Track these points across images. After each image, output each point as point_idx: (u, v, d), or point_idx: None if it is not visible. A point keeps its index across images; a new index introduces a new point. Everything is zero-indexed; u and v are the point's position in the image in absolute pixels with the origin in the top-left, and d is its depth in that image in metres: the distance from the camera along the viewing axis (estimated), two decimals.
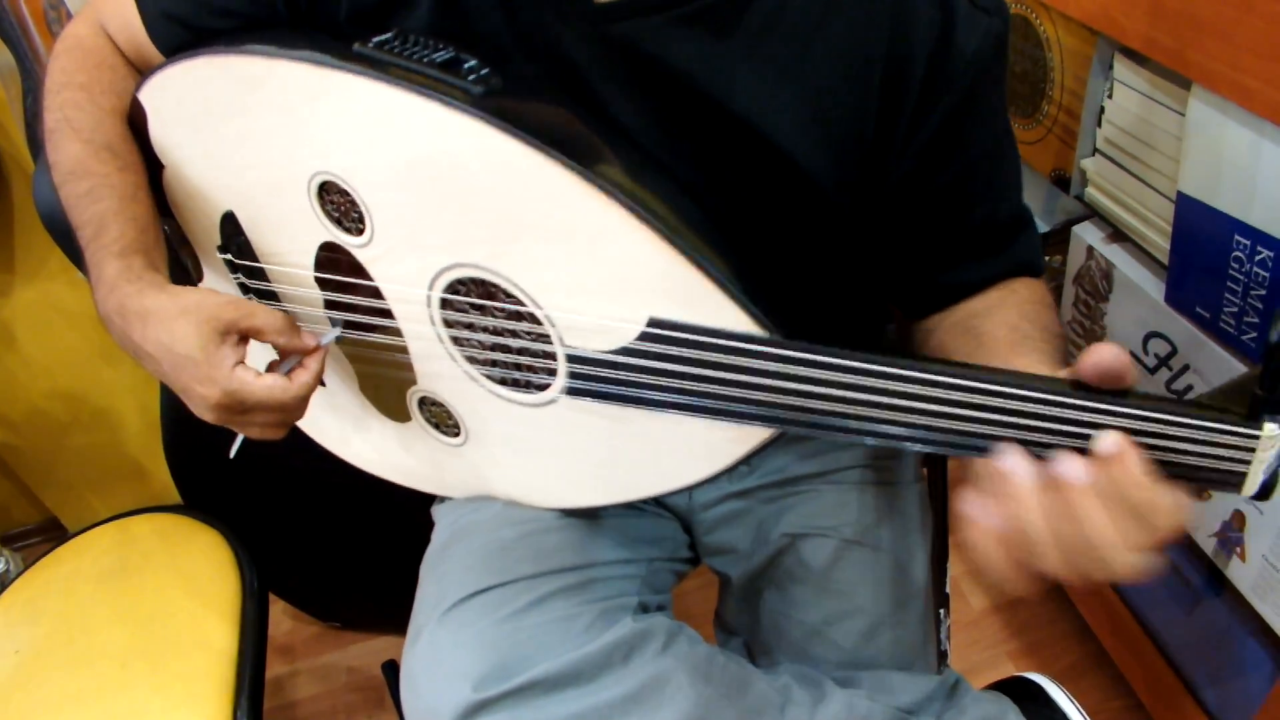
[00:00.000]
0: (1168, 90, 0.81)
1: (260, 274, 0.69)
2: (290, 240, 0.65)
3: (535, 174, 0.50)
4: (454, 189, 0.54)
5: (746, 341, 0.49)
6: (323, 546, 1.23)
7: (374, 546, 1.21)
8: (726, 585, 0.81)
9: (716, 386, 0.52)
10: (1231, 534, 0.87)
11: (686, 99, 0.57)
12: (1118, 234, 0.94)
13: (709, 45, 0.56)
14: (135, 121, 0.65)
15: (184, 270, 0.74)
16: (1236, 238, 0.76)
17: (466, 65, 0.52)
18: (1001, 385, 0.44)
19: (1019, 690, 0.74)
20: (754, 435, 0.56)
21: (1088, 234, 0.96)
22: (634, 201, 0.48)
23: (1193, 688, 1.00)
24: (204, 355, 0.57)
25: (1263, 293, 0.76)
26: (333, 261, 0.64)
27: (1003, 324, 0.62)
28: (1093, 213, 0.97)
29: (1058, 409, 0.43)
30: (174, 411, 1.09)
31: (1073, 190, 0.98)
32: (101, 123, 0.63)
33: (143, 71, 0.66)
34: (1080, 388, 0.43)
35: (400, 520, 1.06)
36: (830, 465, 0.77)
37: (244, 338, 0.60)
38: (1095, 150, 0.93)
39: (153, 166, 0.66)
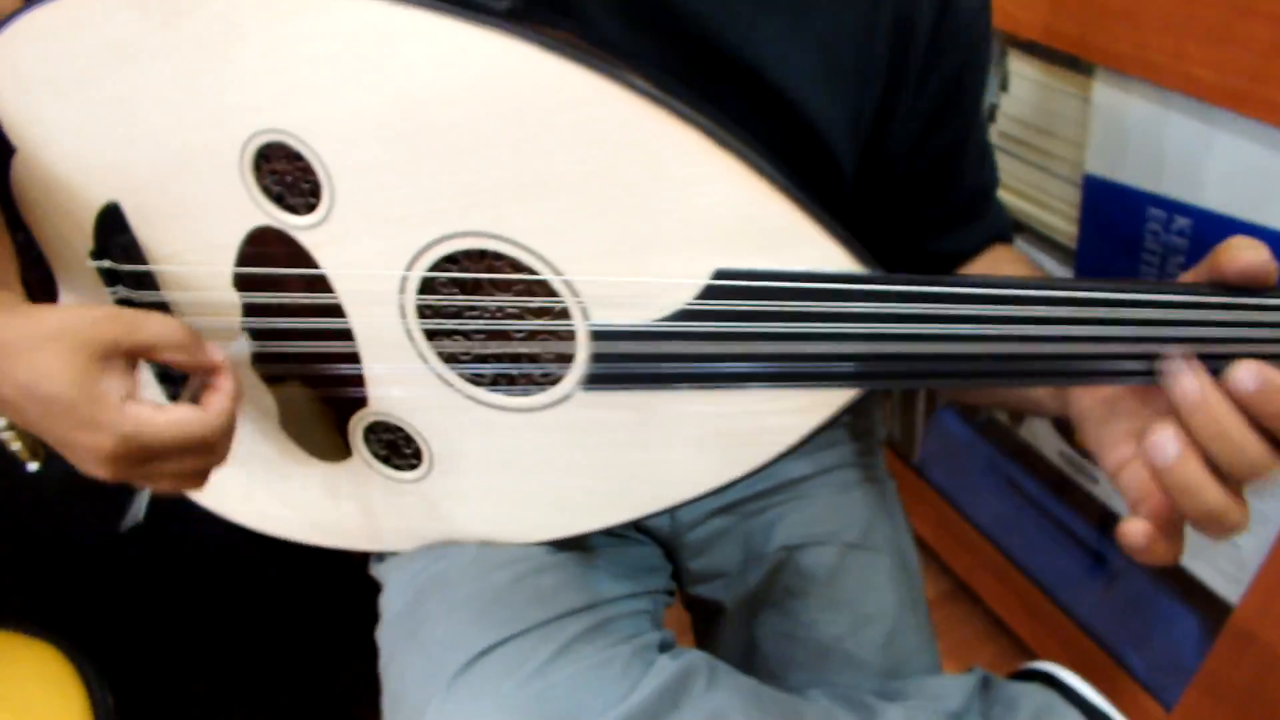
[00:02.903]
0: (1066, 78, 0.84)
1: (149, 282, 0.54)
2: (202, 232, 0.51)
3: (582, 98, 0.41)
4: (460, 135, 0.43)
5: (842, 282, 0.43)
6: (195, 654, 1.01)
7: (266, 646, 1.00)
8: (717, 615, 0.73)
9: (795, 344, 0.44)
10: None
11: (694, 43, 0.53)
12: (1018, 225, 0.97)
13: None
14: None
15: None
16: (1150, 210, 0.80)
17: None
18: (1144, 293, 0.40)
19: (1037, 680, 0.71)
20: (826, 405, 0.49)
21: None
22: (712, 124, 0.41)
23: (1121, 659, 1.02)
24: (81, 393, 0.43)
25: (1182, 259, 0.80)
26: (259, 255, 0.51)
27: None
28: None
29: (1218, 312, 0.39)
30: None
31: None
32: None
33: None
34: (1220, 289, 0.40)
35: (299, 609, 0.89)
36: (816, 467, 0.72)
37: (132, 361, 0.46)
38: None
39: None
